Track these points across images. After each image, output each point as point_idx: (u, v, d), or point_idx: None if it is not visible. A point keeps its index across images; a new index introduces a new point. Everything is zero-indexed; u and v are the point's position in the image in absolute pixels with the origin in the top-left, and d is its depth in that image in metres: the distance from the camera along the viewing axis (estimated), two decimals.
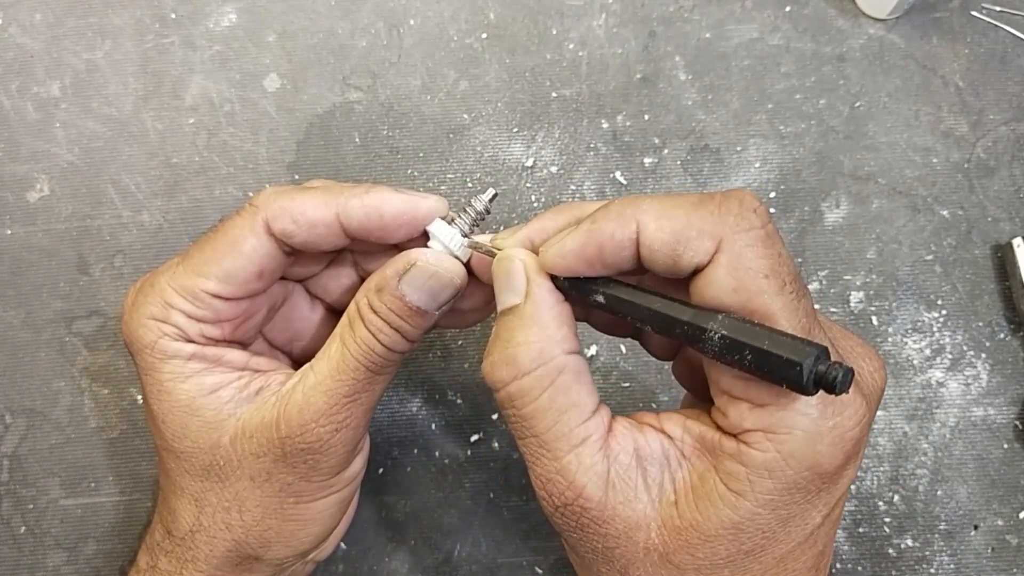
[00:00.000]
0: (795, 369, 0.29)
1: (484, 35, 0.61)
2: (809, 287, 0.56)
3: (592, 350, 0.56)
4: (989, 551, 0.53)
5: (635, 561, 0.34)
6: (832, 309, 0.56)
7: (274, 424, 0.39)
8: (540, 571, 0.54)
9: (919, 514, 0.54)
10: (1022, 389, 0.55)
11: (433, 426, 0.56)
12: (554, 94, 0.60)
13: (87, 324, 0.57)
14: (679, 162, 0.59)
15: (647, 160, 0.59)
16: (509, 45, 0.60)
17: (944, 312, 0.56)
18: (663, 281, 0.36)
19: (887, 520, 0.54)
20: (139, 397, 0.56)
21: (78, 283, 0.57)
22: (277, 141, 0.59)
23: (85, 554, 0.54)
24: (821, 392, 0.30)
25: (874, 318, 0.56)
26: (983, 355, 0.56)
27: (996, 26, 0.60)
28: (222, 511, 0.41)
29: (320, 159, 0.59)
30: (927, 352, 0.56)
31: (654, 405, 0.56)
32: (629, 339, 0.47)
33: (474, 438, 0.55)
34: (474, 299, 0.43)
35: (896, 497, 0.54)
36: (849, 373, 0.29)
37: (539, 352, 0.35)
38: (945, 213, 0.58)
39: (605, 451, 0.35)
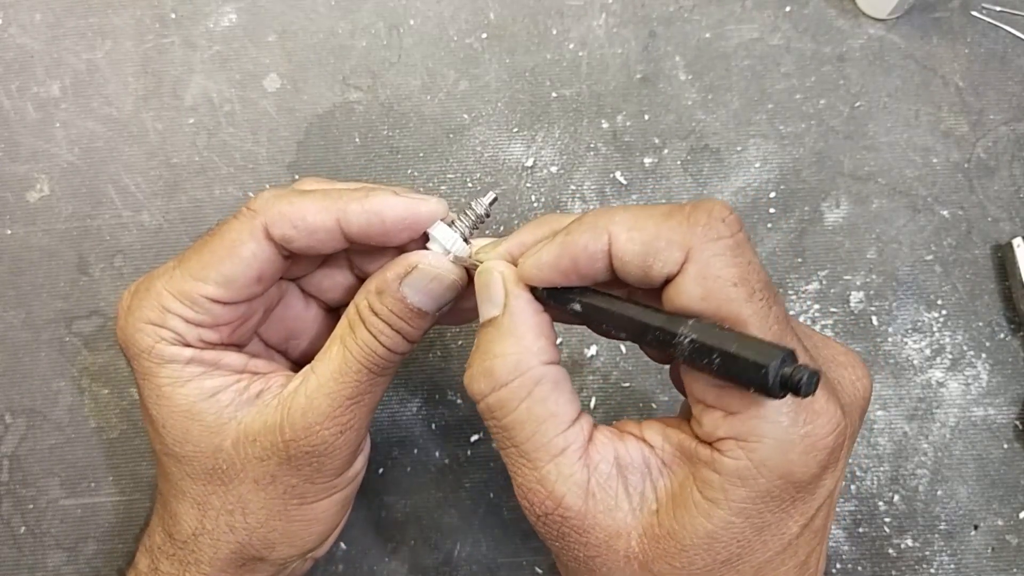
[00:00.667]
0: (761, 372, 0.29)
1: (484, 35, 0.60)
2: (809, 287, 0.57)
3: (592, 350, 0.56)
4: (989, 551, 0.53)
5: (616, 570, 0.34)
6: (832, 309, 0.56)
7: (277, 428, 0.39)
8: (540, 571, 0.54)
9: (919, 514, 0.54)
10: (1022, 389, 0.55)
11: (433, 426, 0.56)
12: (554, 94, 0.60)
13: (87, 324, 0.57)
14: (679, 162, 0.59)
15: (647, 160, 0.59)
16: (509, 45, 0.60)
17: (944, 312, 0.56)
18: (645, 293, 0.36)
19: (887, 520, 0.54)
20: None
21: (78, 283, 0.57)
22: (277, 141, 0.59)
23: (85, 554, 0.54)
24: (793, 400, 0.30)
25: (874, 318, 0.56)
26: (983, 355, 0.56)
27: (996, 26, 0.60)
28: (225, 514, 0.41)
29: (320, 159, 0.59)
30: (927, 352, 0.56)
31: (654, 405, 0.56)
32: (628, 340, 0.46)
33: (474, 438, 0.55)
34: (473, 299, 0.43)
35: (896, 497, 0.54)
36: (815, 375, 0.29)
37: (516, 364, 0.35)
38: (945, 213, 0.58)
39: (585, 460, 0.35)
